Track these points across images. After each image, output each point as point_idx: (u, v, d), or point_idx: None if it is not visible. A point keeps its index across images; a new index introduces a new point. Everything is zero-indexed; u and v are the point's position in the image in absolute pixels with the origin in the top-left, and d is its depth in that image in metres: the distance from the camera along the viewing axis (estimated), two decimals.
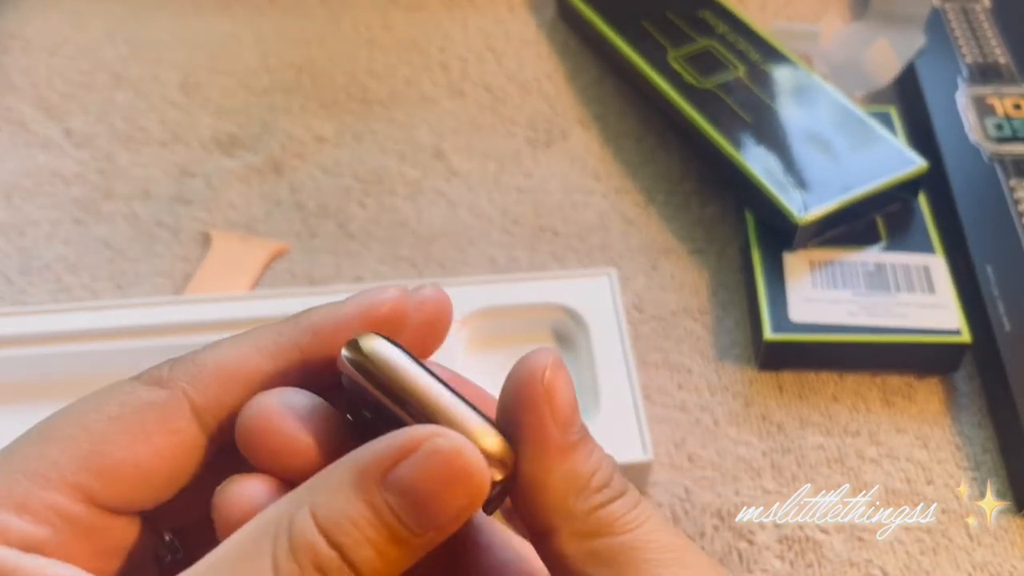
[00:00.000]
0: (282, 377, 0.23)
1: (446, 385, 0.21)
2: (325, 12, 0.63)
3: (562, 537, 0.21)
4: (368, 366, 0.21)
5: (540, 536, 0.22)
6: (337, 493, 0.20)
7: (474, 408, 0.21)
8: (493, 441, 0.21)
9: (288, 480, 0.22)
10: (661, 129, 0.55)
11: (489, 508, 0.22)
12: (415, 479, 0.19)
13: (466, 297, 0.44)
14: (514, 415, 0.21)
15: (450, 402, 0.21)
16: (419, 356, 0.22)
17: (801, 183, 0.47)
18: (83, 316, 0.43)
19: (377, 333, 0.22)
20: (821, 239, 0.47)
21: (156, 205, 0.52)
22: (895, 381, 0.44)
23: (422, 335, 0.24)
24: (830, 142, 0.49)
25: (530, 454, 0.21)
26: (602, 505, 0.21)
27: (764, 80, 0.52)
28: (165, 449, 0.22)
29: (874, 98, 0.57)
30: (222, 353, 0.23)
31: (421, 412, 0.21)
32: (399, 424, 0.21)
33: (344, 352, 0.22)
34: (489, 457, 0.20)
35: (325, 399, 0.23)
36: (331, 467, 0.20)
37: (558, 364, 0.22)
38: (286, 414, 0.22)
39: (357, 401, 0.22)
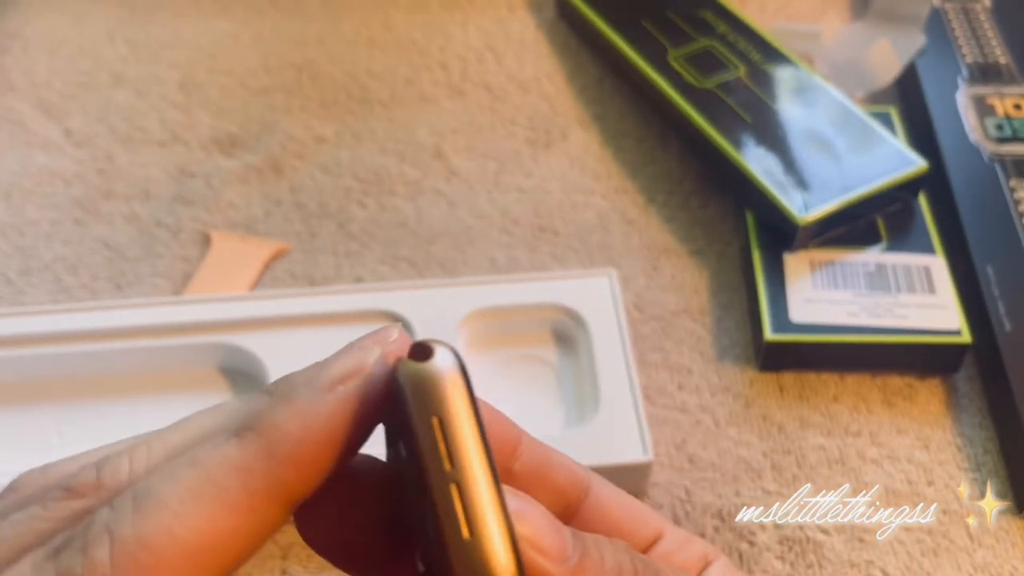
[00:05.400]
0: (259, 534, 0.18)
1: (489, 458, 0.19)
2: (325, 12, 0.63)
3: None
4: (425, 396, 0.18)
5: None
6: None
7: (501, 499, 0.19)
8: (505, 559, 0.19)
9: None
10: (661, 129, 0.55)
11: None
12: None
13: (466, 297, 0.44)
14: None
15: (482, 496, 0.18)
16: None
17: (801, 183, 0.47)
18: (83, 316, 0.43)
19: (451, 348, 0.19)
20: (821, 239, 0.47)
21: (156, 205, 0.52)
22: (896, 382, 0.44)
23: None
24: (830, 142, 0.49)
25: None
26: None
27: (764, 80, 0.52)
28: None
29: (874, 98, 0.57)
30: (168, 528, 0.17)
31: (444, 491, 0.18)
32: (420, 479, 0.18)
33: (402, 368, 0.19)
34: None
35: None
36: None
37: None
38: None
39: (398, 427, 0.19)
